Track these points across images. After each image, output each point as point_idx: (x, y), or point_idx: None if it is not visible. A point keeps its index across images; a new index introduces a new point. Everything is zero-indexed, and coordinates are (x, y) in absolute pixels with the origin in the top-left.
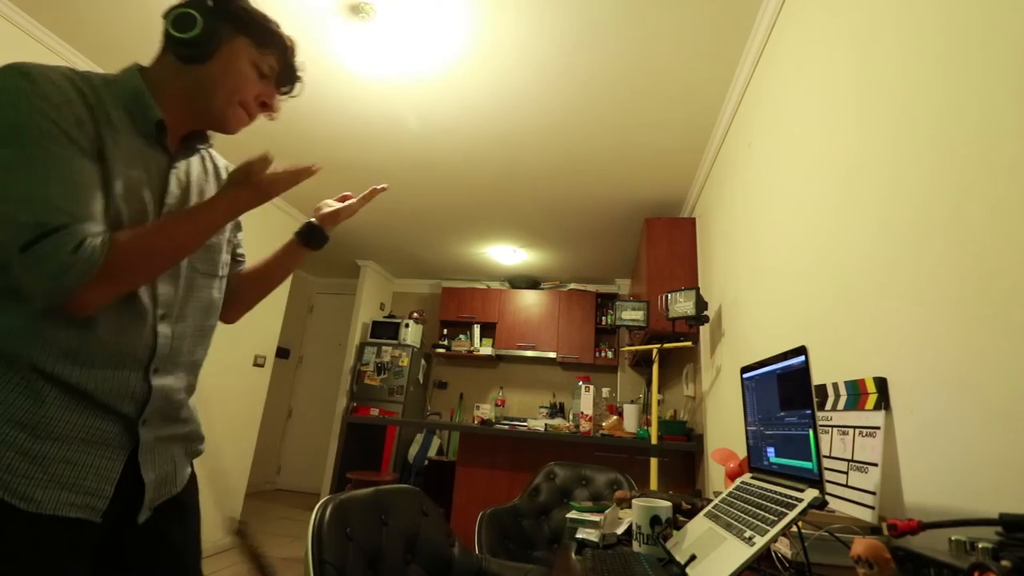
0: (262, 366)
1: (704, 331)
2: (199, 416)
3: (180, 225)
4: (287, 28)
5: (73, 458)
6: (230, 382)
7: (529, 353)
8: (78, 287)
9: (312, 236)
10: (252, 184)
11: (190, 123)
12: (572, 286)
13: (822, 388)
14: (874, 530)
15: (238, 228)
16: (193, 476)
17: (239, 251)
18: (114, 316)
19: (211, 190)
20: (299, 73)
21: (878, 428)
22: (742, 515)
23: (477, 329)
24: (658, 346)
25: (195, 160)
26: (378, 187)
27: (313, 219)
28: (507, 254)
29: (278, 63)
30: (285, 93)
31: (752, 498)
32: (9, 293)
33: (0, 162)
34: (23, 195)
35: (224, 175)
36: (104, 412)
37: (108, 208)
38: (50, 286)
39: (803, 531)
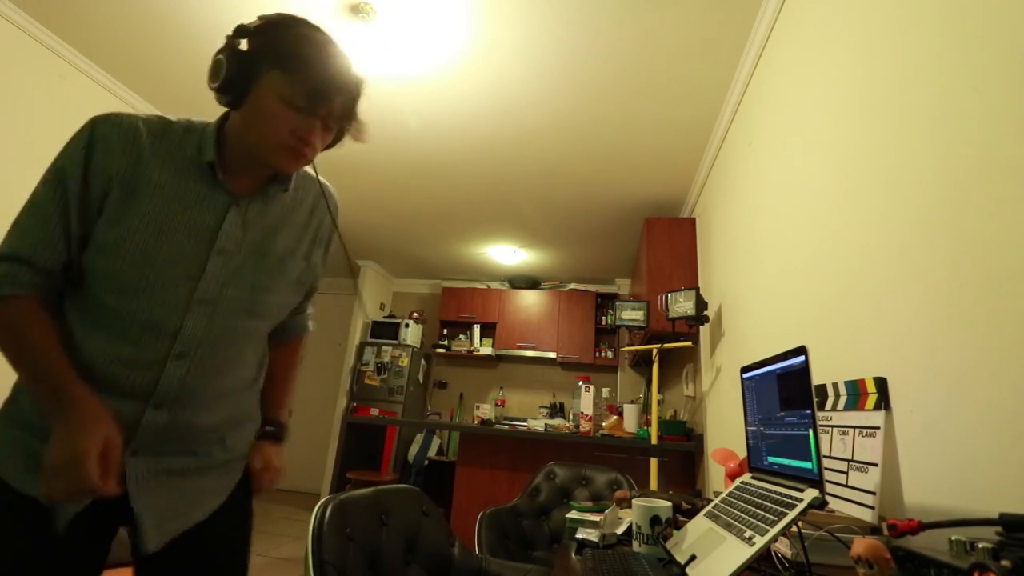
0: None
1: (704, 331)
2: (239, 444)
3: (26, 349)
4: None
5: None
6: None
7: (529, 353)
8: None
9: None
10: (72, 418)
11: (259, 166)
12: (572, 286)
13: (822, 388)
14: (874, 530)
15: (313, 287)
16: (232, 505)
17: (304, 305)
18: (116, 340)
19: (290, 231)
20: (336, 91)
21: (878, 428)
22: (742, 515)
23: (477, 329)
24: (658, 346)
25: (275, 202)
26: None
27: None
28: (507, 254)
29: (304, 87)
30: (323, 121)
31: (752, 498)
32: None
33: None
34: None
35: (316, 207)
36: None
37: (127, 240)
38: None
39: (803, 531)
